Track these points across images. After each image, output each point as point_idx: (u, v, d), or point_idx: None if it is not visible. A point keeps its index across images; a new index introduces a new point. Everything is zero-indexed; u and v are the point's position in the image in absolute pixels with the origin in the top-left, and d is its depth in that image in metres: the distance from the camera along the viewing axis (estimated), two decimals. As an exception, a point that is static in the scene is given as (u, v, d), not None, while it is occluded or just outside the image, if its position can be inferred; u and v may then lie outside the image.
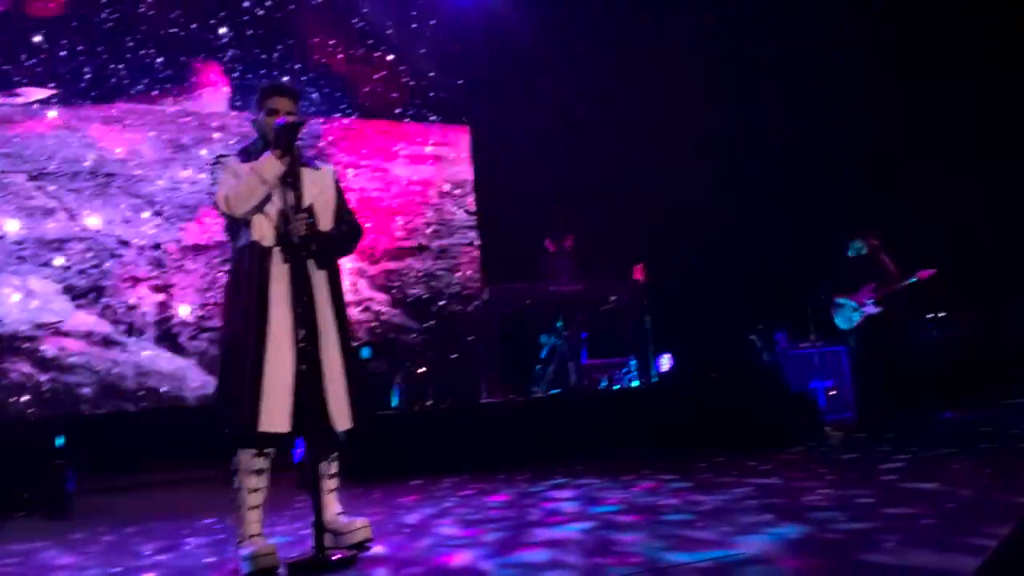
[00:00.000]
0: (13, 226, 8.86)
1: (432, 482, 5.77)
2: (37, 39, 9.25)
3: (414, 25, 11.09)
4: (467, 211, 11.06)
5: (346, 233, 3.75)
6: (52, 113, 9.20)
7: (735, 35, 10.19)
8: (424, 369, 8.26)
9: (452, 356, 9.48)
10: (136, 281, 9.25)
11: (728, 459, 5.57)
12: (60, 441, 6.56)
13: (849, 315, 7.91)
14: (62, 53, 9.35)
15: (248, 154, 3.64)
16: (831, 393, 8.31)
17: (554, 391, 7.95)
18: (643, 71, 10.28)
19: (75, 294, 8.97)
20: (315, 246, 3.49)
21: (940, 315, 9.40)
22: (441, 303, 10.59)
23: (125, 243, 9.29)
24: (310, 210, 3.53)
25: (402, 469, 6.28)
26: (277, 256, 3.48)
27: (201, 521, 4.87)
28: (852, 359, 8.20)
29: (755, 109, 10.00)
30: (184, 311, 9.35)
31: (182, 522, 4.91)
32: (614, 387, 8.10)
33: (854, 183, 9.69)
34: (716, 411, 6.95)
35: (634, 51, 10.29)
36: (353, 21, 10.80)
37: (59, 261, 8.98)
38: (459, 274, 10.82)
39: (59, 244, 9.02)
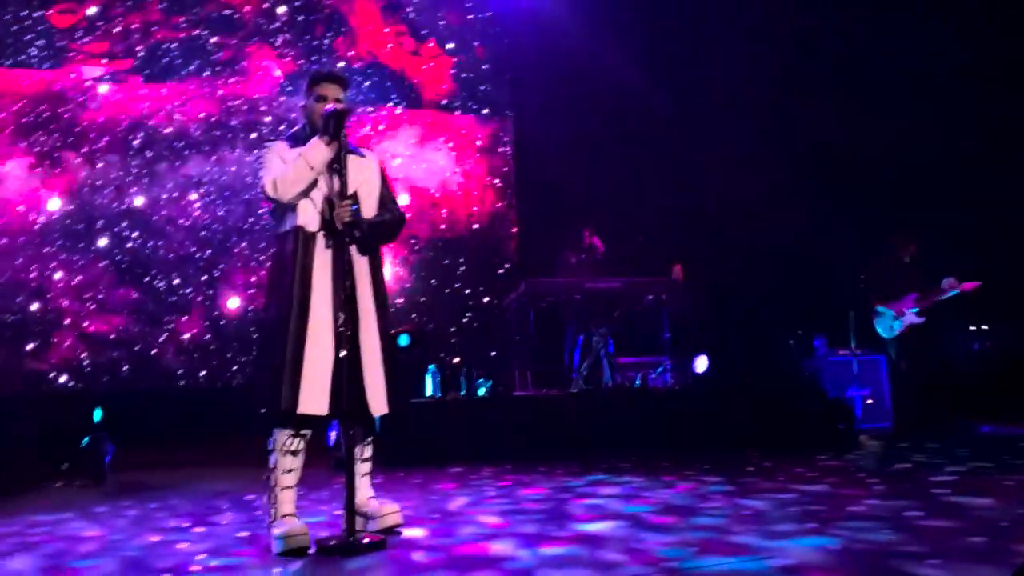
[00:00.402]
0: (60, 203, 9.02)
1: (471, 471, 5.79)
2: (92, 12, 9.39)
3: (469, 16, 11.11)
4: (508, 204, 11.06)
5: (389, 221, 3.77)
6: (103, 88, 9.34)
7: (780, 37, 10.10)
8: (459, 359, 8.29)
9: (492, 353, 9.51)
10: (181, 260, 9.37)
11: (772, 464, 5.51)
12: (98, 414, 6.66)
13: (890, 324, 7.81)
14: (116, 30, 9.48)
15: (296, 139, 3.69)
16: (868, 402, 8.21)
17: (588, 387, 7.92)
18: (688, 71, 10.22)
19: (120, 271, 9.11)
20: (358, 233, 3.52)
21: (983, 328, 9.25)
22: (479, 295, 10.60)
23: (171, 222, 9.42)
24: (355, 197, 3.56)
25: (441, 456, 6.33)
26: (321, 241, 3.52)
27: (235, 498, 4.93)
28: (891, 368, 8.11)
29: (800, 112, 9.88)
30: (226, 292, 9.46)
31: (216, 499, 4.97)
32: (648, 386, 8.06)
33: (901, 190, 9.55)
34: (750, 414, 6.91)
35: (679, 51, 10.23)
36: (407, 11, 10.83)
37: (105, 238, 9.12)
38: (497, 267, 10.83)
39: (106, 221, 9.16)
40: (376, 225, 3.67)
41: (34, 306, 8.76)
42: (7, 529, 4.16)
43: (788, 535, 3.22)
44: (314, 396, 3.39)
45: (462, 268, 10.65)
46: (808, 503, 3.93)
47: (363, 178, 3.69)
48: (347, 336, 3.41)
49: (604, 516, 3.81)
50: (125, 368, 8.98)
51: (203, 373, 9.27)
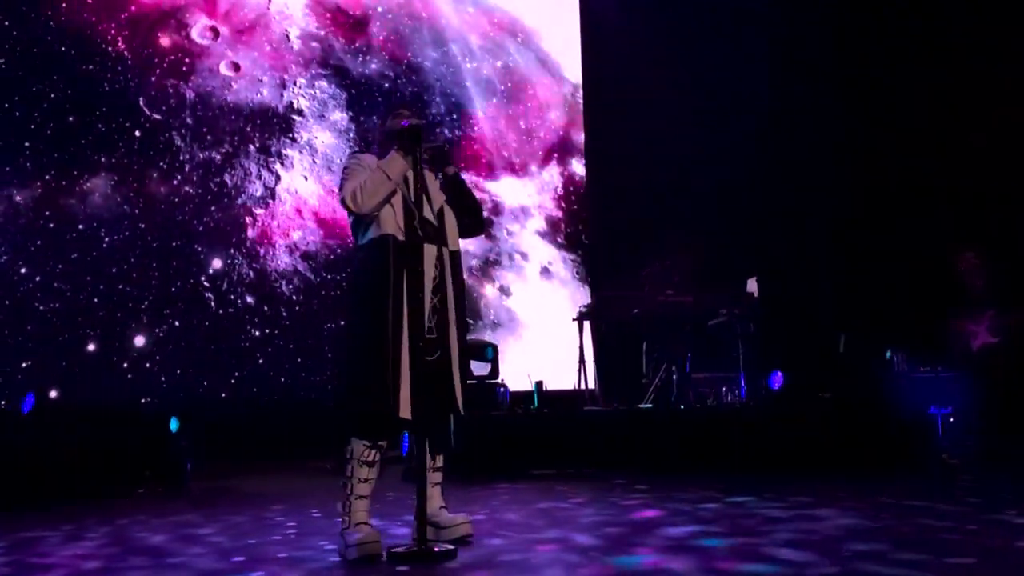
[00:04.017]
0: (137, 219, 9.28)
1: (539, 484, 5.79)
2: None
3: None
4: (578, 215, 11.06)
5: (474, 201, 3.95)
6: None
7: (861, 42, 9.92)
8: (530, 373, 8.30)
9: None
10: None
11: (851, 484, 5.37)
12: (175, 424, 6.83)
13: (965, 342, 7.60)
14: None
15: (381, 157, 3.76)
16: (950, 420, 7.94)
17: (660, 403, 7.84)
18: (766, 78, 10.07)
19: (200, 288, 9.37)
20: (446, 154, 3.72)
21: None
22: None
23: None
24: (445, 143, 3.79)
25: (510, 469, 6.35)
26: (405, 250, 3.56)
27: (310, 506, 5.00)
28: (969, 386, 7.82)
29: (885, 118, 9.68)
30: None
31: (293, 506, 5.06)
32: (722, 402, 7.95)
33: (986, 199, 9.21)
34: (828, 432, 6.76)
35: (756, 56, 10.10)
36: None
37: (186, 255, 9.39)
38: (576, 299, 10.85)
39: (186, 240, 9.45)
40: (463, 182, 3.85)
41: (112, 320, 9.02)
42: (93, 532, 4.31)
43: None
44: (409, 402, 3.45)
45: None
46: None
47: (435, 191, 3.76)
48: (432, 341, 3.52)
49: (659, 538, 3.76)
50: (204, 382, 9.20)
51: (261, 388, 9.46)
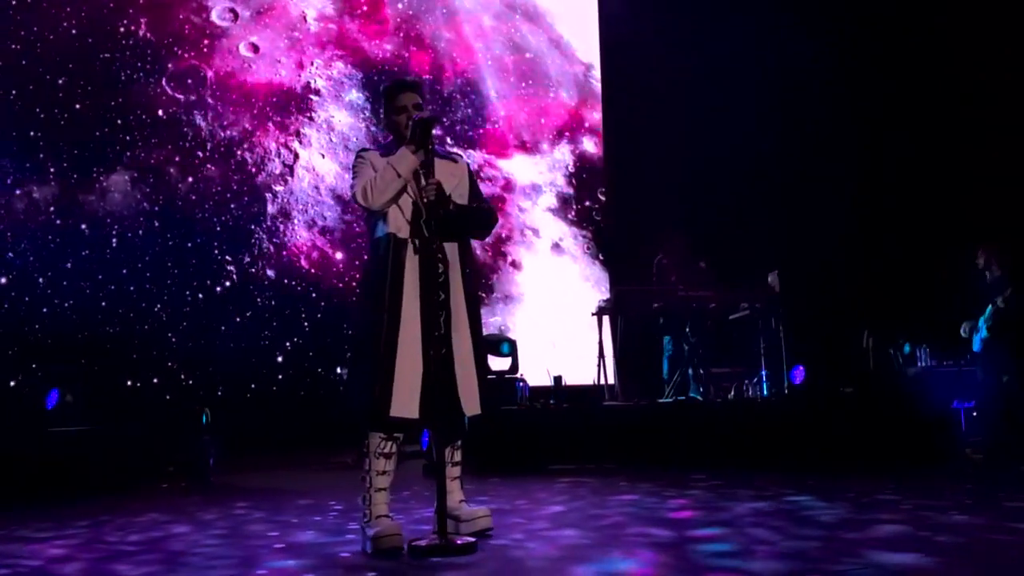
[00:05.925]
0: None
1: (553, 479, 5.77)
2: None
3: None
4: (596, 210, 11.06)
5: (479, 209, 3.84)
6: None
7: (877, 35, 9.84)
8: (549, 368, 8.29)
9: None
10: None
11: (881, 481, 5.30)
12: (205, 418, 6.89)
13: (974, 338, 7.56)
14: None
15: (388, 150, 3.75)
16: (973, 414, 7.87)
17: (679, 398, 7.80)
18: (782, 71, 10.00)
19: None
20: (443, 212, 3.54)
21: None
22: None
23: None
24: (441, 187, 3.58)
25: (529, 465, 6.34)
26: (411, 247, 3.57)
27: (330, 500, 5.02)
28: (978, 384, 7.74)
29: (903, 112, 9.60)
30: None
31: (313, 499, 5.07)
32: (743, 397, 7.90)
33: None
34: (850, 427, 6.70)
35: (773, 50, 10.02)
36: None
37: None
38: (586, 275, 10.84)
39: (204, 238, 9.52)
40: (464, 209, 3.72)
41: (136, 320, 9.09)
42: (114, 527, 4.35)
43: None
44: (405, 400, 3.44)
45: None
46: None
47: (456, 182, 3.74)
48: (439, 338, 3.46)
49: (660, 533, 3.74)
50: (223, 376, 9.26)
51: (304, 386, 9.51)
